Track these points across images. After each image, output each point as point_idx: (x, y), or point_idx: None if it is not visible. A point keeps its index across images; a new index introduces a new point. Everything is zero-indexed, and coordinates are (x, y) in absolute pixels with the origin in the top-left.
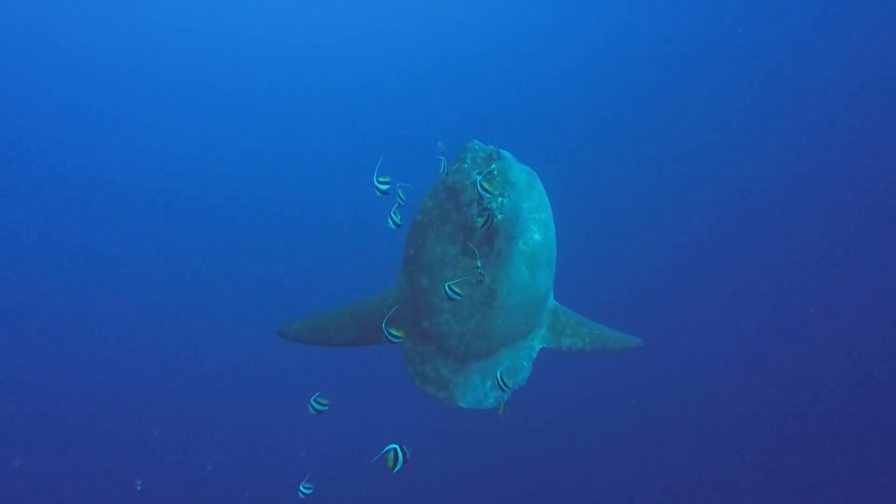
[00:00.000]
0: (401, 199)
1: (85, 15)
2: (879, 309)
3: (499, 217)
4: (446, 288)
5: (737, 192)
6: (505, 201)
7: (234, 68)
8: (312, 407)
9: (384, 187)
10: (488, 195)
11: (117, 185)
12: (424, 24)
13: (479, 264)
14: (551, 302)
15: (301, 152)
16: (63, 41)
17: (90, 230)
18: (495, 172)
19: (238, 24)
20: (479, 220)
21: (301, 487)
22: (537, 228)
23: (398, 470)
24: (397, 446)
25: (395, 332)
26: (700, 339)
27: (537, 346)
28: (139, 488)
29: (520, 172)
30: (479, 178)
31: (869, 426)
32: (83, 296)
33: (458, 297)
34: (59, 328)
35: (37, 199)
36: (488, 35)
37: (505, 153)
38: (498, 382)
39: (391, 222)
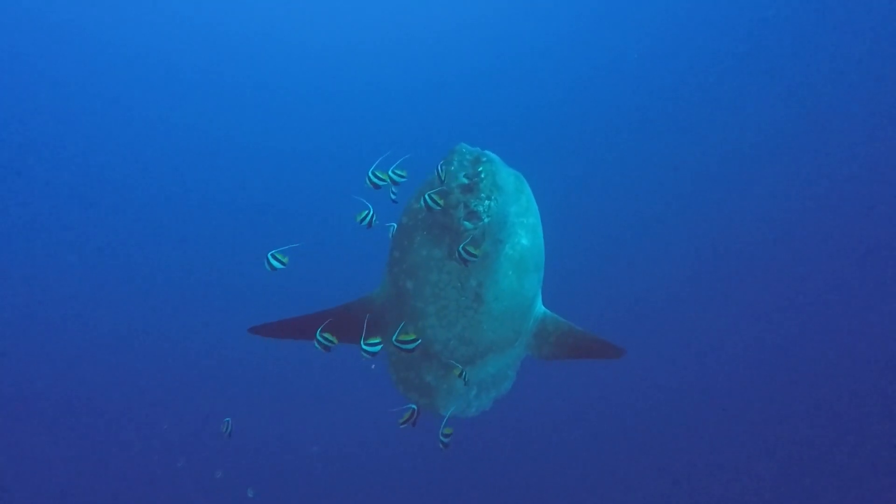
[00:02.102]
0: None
1: (89, 12)
2: (890, 324)
3: (486, 220)
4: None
5: (744, 200)
6: (492, 204)
7: (226, 71)
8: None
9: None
10: (437, 206)
11: (116, 184)
12: (419, 29)
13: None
14: (539, 309)
15: (293, 153)
16: (66, 37)
17: (92, 227)
18: (482, 175)
19: (238, 23)
20: (467, 223)
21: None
22: (525, 233)
23: (403, 426)
24: (416, 406)
25: (372, 343)
26: (701, 351)
27: (523, 354)
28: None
29: (508, 176)
30: (428, 194)
31: (877, 443)
32: (88, 295)
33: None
34: (63, 327)
35: (32, 195)
36: (483, 38)
37: (493, 156)
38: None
39: (268, 265)
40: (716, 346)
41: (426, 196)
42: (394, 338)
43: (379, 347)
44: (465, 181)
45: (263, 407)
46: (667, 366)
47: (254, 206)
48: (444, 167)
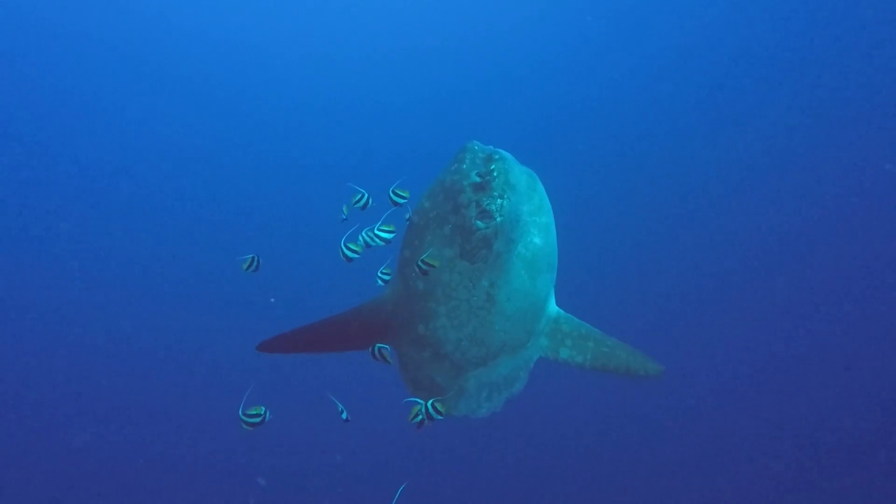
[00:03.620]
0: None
1: (86, 14)
2: None
3: (498, 219)
4: (419, 263)
5: (768, 202)
6: (504, 203)
7: (228, 75)
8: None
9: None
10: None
11: (109, 188)
12: (426, 25)
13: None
14: (552, 309)
15: (296, 157)
16: (62, 40)
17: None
18: (495, 173)
19: (232, 28)
20: (479, 222)
21: None
22: (537, 232)
23: (415, 422)
24: (428, 405)
25: (253, 414)
26: (723, 358)
27: (535, 356)
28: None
29: (520, 174)
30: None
31: None
32: (103, 308)
33: (432, 269)
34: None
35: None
36: (494, 34)
37: (505, 154)
38: (427, 410)
39: (246, 265)
40: (739, 354)
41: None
42: (376, 348)
43: (259, 420)
44: (478, 179)
45: (282, 415)
46: (686, 373)
47: (265, 214)
48: (454, 166)
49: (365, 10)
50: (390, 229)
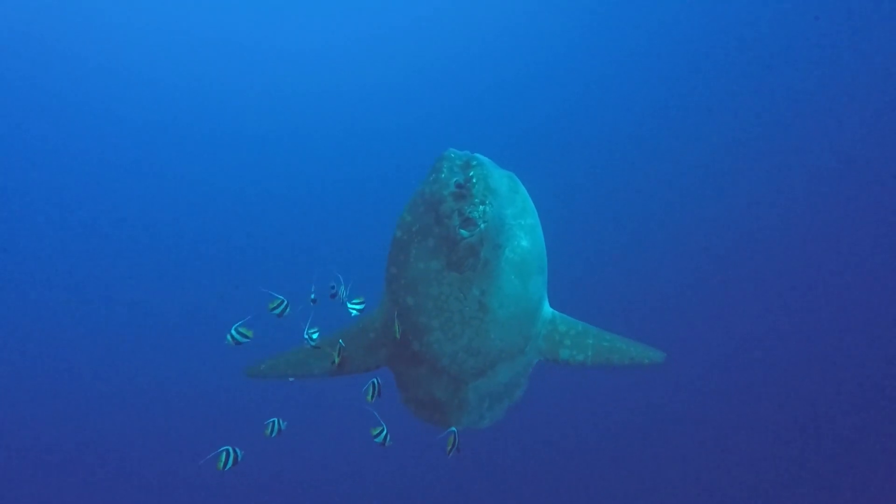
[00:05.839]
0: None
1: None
2: None
3: (482, 226)
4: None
5: (754, 195)
6: (487, 209)
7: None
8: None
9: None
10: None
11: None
12: (403, 27)
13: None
14: (547, 310)
15: (281, 170)
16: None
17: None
18: (474, 180)
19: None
20: (463, 231)
21: None
22: (524, 234)
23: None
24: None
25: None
26: (714, 353)
27: (534, 360)
28: None
29: (500, 178)
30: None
31: None
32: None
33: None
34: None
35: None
36: (469, 33)
37: (483, 158)
38: (372, 387)
39: (272, 306)
40: (728, 349)
41: None
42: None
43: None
44: (456, 189)
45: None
46: (679, 370)
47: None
48: (433, 176)
49: (336, 20)
50: (314, 331)
